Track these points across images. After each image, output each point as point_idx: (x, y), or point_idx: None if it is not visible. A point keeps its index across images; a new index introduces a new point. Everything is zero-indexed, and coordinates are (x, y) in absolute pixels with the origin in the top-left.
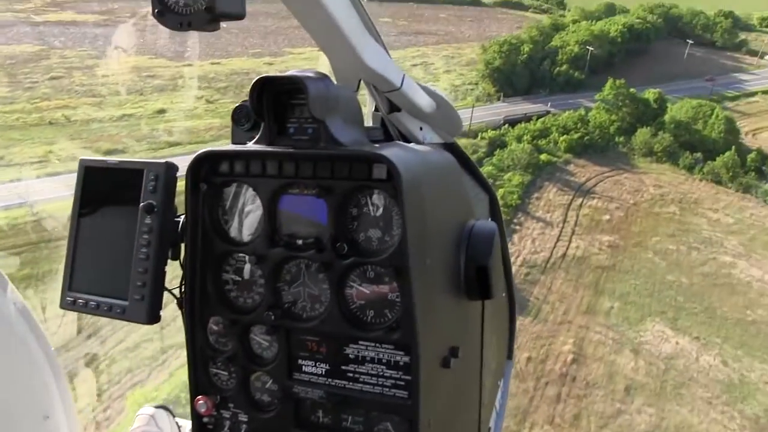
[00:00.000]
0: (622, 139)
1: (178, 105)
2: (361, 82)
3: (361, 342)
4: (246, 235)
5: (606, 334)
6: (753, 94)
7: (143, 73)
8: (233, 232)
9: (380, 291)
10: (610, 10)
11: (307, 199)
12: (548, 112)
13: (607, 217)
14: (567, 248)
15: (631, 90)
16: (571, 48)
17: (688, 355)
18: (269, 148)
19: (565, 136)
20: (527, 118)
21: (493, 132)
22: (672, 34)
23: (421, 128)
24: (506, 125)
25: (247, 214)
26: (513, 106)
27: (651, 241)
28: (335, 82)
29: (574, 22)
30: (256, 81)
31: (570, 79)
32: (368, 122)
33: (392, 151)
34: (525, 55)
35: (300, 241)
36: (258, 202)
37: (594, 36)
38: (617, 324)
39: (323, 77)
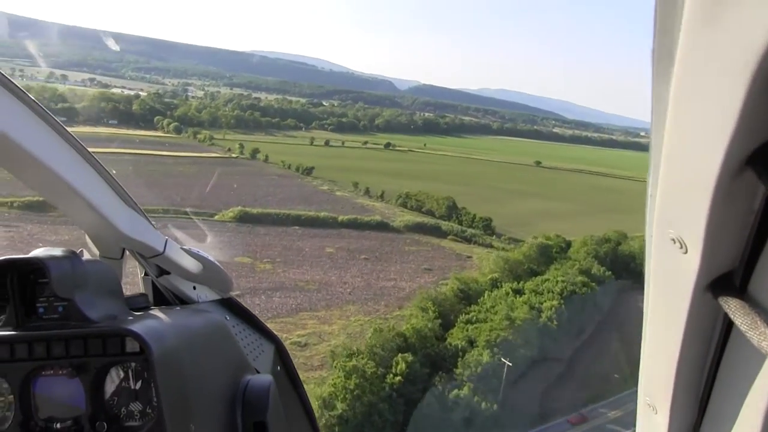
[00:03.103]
0: None
1: None
2: (126, 249)
3: None
4: None
5: None
6: None
7: None
8: None
9: None
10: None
11: (62, 379)
12: None
13: None
14: None
15: None
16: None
17: None
18: (16, 332)
19: None
20: None
21: None
22: None
23: (195, 287)
24: None
25: None
26: None
27: None
28: (98, 253)
29: (494, 284)
30: None
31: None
32: (141, 287)
33: (145, 323)
34: (398, 377)
35: (58, 425)
36: (8, 387)
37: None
38: None
39: (70, 255)
